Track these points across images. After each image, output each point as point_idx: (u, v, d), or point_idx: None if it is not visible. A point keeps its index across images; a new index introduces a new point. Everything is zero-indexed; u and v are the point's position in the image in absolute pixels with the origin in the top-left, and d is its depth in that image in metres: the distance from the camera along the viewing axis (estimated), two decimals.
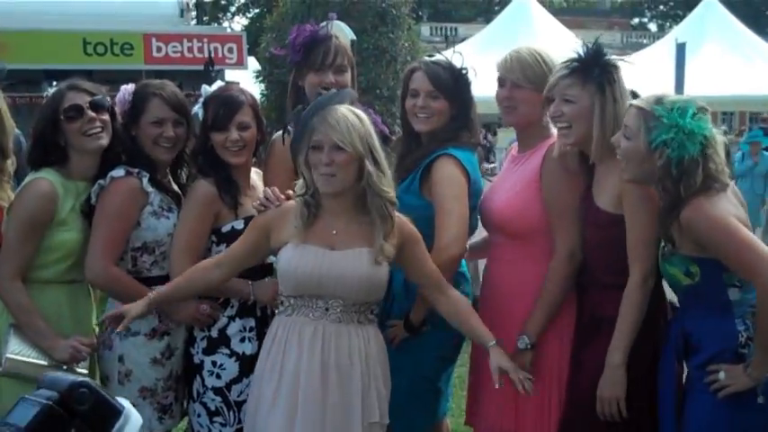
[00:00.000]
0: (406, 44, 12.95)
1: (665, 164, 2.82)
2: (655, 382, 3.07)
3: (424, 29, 33.88)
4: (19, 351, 3.07)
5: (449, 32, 36.33)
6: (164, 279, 3.26)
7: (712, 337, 2.93)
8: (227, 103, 3.33)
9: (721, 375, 2.87)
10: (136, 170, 3.24)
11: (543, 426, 3.28)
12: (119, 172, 3.23)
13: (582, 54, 3.12)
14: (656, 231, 2.98)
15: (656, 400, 3.07)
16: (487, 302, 3.44)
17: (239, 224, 3.29)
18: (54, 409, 1.68)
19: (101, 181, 3.23)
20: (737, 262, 2.80)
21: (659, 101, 2.88)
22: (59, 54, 11.00)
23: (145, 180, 3.25)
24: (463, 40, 22.84)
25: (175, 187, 3.42)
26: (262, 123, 3.43)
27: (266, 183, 3.47)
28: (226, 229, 3.31)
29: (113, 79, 4.78)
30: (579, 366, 3.21)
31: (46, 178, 3.18)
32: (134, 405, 3.15)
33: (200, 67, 10.63)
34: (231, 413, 3.29)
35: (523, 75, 3.28)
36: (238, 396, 3.28)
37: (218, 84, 3.49)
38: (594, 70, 3.09)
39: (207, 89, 3.42)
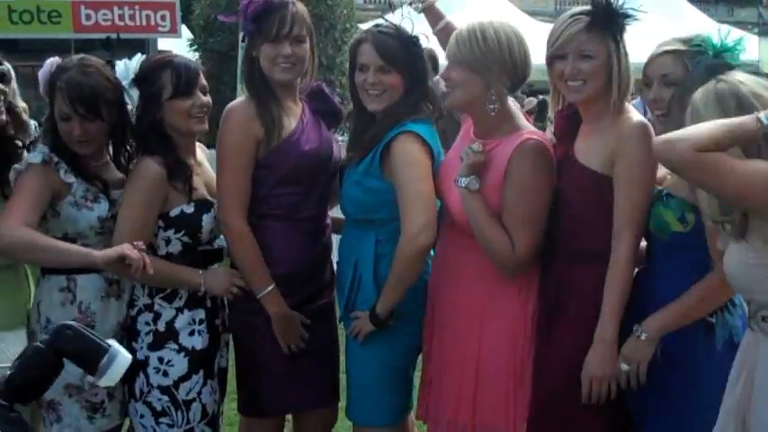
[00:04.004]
0: (345, 12, 12.71)
1: None
2: None
3: None
4: None
5: None
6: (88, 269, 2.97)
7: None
8: (187, 67, 3.08)
9: (624, 367, 2.79)
10: (55, 159, 2.97)
11: (507, 419, 3.03)
12: (36, 158, 2.95)
13: (596, 7, 2.91)
14: (650, 197, 2.86)
15: None
16: (444, 288, 3.16)
17: (189, 209, 3.06)
18: (40, 348, 1.93)
19: (17, 166, 2.96)
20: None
21: (684, 41, 2.91)
22: None
23: (62, 171, 2.97)
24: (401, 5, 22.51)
25: (115, 173, 3.15)
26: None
27: (221, 158, 3.17)
28: (174, 213, 3.06)
29: (41, 49, 4.50)
30: (550, 350, 2.98)
31: None
32: (58, 404, 3.00)
33: (134, 36, 10.25)
34: (179, 413, 3.08)
35: (458, 52, 2.98)
36: (187, 395, 3.08)
37: (138, 58, 3.11)
38: (610, 23, 2.92)
39: (127, 66, 3.07)
